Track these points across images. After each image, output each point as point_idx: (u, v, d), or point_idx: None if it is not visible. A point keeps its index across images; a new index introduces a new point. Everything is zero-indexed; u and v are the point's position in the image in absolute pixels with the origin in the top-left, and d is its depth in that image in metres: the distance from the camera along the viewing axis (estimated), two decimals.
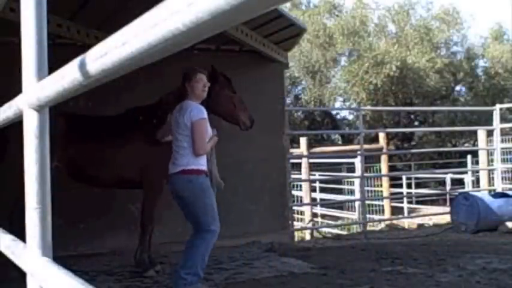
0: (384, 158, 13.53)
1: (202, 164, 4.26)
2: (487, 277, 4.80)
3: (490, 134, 11.04)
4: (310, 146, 14.56)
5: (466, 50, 21.30)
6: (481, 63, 21.79)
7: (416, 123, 21.08)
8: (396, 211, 13.11)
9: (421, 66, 19.05)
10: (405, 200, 13.81)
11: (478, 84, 20.86)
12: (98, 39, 3.66)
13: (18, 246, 1.32)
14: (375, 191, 13.98)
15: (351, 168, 13.60)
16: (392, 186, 14.44)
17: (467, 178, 13.44)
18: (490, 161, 10.69)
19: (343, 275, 5.01)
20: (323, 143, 19.35)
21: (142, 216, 5.25)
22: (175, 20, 0.62)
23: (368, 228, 9.36)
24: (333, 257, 5.93)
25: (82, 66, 0.86)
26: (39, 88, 1.08)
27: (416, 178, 15.29)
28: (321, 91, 20.49)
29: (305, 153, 13.03)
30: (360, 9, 20.49)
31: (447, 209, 9.52)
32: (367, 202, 11.51)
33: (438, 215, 10.20)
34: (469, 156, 14.40)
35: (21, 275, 1.37)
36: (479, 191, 10.25)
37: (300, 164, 12.36)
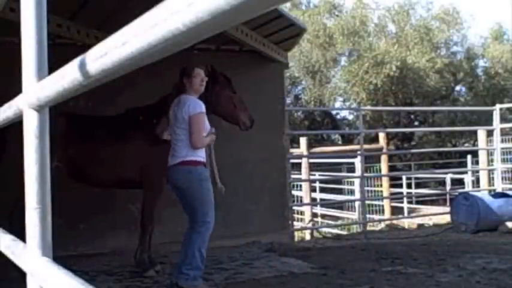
0: (383, 158, 13.52)
1: (200, 155, 4.32)
2: (487, 277, 4.79)
3: (490, 134, 11.04)
4: (310, 146, 14.56)
5: (466, 50, 21.30)
6: (481, 63, 21.83)
7: (416, 123, 21.07)
8: (396, 211, 13.11)
9: (421, 66, 19.05)
10: (405, 200, 13.80)
11: (478, 84, 20.86)
12: (98, 39, 3.65)
13: (18, 246, 1.32)
14: (375, 191, 13.98)
15: (351, 168, 13.60)
16: (392, 186, 14.43)
17: (467, 178, 13.43)
18: (490, 161, 10.68)
19: (343, 275, 5.01)
20: (323, 143, 19.35)
21: (142, 216, 5.25)
22: (175, 20, 0.62)
23: (368, 228, 9.35)
24: (333, 257, 5.93)
25: (82, 66, 0.86)
26: (39, 88, 1.08)
27: (416, 178, 15.28)
28: (321, 91, 20.49)
29: (305, 153, 13.02)
30: (360, 9, 20.49)
31: (447, 209, 9.51)
32: (367, 202, 11.51)
33: (438, 215, 10.19)
34: (469, 156, 14.40)
35: (21, 275, 1.37)
36: (479, 191, 10.25)
37: (300, 164, 12.35)
